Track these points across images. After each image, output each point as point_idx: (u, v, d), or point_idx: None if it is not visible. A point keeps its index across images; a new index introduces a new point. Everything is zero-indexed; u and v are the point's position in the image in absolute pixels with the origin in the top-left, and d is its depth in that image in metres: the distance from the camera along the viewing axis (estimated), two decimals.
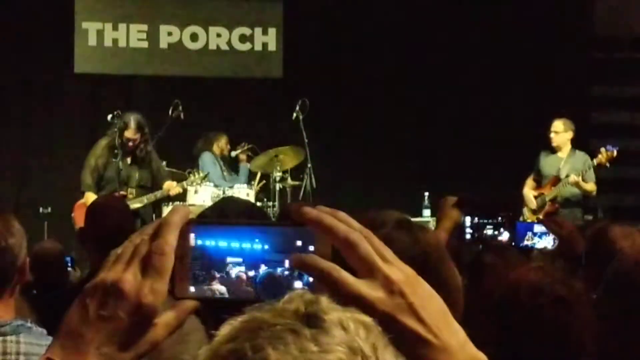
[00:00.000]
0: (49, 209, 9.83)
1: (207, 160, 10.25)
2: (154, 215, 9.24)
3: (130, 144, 9.06)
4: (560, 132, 9.74)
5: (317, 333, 0.94)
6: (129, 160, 9.14)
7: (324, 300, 0.99)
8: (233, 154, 10.45)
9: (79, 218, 8.80)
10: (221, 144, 10.45)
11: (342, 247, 1.13)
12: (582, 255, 4.28)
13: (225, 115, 11.05)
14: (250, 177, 10.58)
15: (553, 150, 9.84)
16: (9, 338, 2.88)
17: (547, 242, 4.65)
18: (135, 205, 8.80)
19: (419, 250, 2.04)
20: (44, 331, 2.99)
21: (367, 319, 0.99)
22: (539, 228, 4.77)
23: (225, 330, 0.98)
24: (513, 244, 4.74)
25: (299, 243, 1.21)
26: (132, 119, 9.15)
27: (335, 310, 0.98)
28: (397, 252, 2.07)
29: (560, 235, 4.62)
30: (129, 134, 9.04)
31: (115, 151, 9.04)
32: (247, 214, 3.84)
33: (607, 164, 9.73)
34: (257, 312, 0.99)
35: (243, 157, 10.47)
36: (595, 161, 9.68)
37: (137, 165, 9.16)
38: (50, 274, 5.48)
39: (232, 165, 10.60)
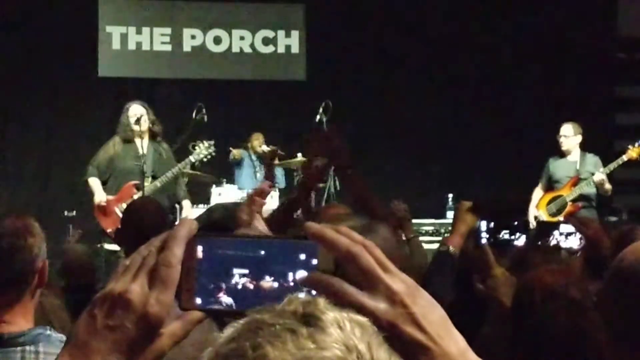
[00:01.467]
0: (74, 212, 9.88)
1: (240, 154, 10.42)
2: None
3: (138, 119, 8.98)
4: (570, 135, 9.80)
5: (314, 332, 0.98)
6: (143, 150, 9.07)
7: (321, 302, 1.03)
8: (264, 148, 10.45)
9: (100, 215, 8.93)
10: (253, 143, 10.53)
11: (344, 260, 1.16)
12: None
13: (248, 118, 11.07)
14: (287, 176, 10.65)
15: (562, 155, 9.90)
16: (27, 348, 2.87)
17: (573, 242, 4.65)
18: (150, 188, 8.88)
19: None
20: (64, 337, 2.84)
21: (363, 319, 1.03)
22: (565, 228, 4.77)
23: (227, 331, 1.02)
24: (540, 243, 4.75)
25: (302, 256, 1.23)
26: (133, 102, 9.18)
27: (331, 311, 1.02)
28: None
29: (586, 235, 4.62)
30: (134, 111, 9.02)
31: (128, 142, 9.08)
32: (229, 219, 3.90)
33: (637, 157, 9.79)
34: (257, 314, 1.02)
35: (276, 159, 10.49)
36: (625, 157, 9.78)
37: (152, 155, 9.15)
38: (80, 276, 5.54)
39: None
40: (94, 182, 9.02)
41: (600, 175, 9.58)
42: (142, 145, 9.05)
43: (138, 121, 8.98)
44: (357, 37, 12.29)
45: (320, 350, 0.96)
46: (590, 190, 9.75)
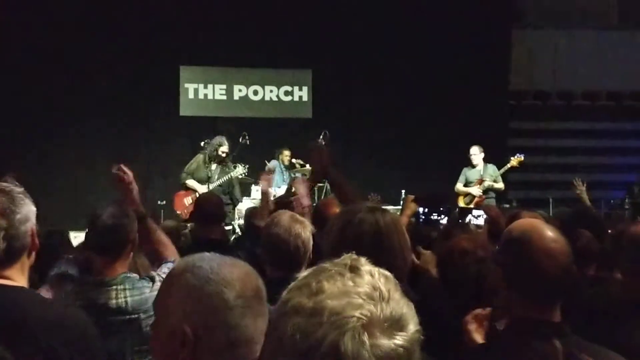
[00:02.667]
0: (164, 202, 9.92)
1: (274, 165, 10.28)
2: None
3: (224, 155, 9.13)
4: (478, 154, 9.99)
5: (354, 276, 1.00)
6: (214, 166, 9.17)
7: (362, 259, 1.04)
8: (293, 160, 10.35)
9: (176, 202, 9.07)
10: (283, 156, 10.40)
11: None
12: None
13: (276, 141, 11.03)
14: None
15: (472, 166, 10.00)
16: (118, 287, 2.92)
17: (480, 221, 4.68)
18: (215, 184, 8.99)
19: (378, 226, 2.10)
20: (137, 276, 3.01)
21: (388, 273, 1.04)
22: (476, 212, 4.81)
23: (302, 273, 1.05)
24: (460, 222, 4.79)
25: None
26: (225, 140, 9.24)
27: (368, 265, 1.03)
28: (364, 227, 2.13)
29: (489, 216, 4.65)
30: (224, 149, 9.13)
31: (209, 161, 9.13)
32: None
33: (518, 165, 10.03)
34: (322, 264, 1.04)
35: (297, 166, 10.40)
36: (509, 165, 10.02)
37: (220, 169, 9.19)
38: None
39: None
40: (192, 182, 9.08)
41: (489, 182, 9.80)
42: (218, 162, 9.20)
43: (224, 153, 9.13)
44: (343, 92, 12.33)
45: (356, 287, 0.98)
46: (493, 186, 9.89)
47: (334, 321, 0.94)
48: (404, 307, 0.99)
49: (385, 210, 2.25)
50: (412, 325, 0.98)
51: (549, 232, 2.08)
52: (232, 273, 1.48)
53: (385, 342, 0.93)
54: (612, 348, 2.05)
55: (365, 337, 0.92)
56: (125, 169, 3.34)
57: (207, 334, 1.44)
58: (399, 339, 0.95)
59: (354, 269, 1.01)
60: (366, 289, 0.98)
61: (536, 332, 2.01)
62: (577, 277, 2.12)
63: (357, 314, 0.94)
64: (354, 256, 1.04)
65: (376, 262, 1.07)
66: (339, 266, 1.02)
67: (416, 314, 1.01)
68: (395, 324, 0.96)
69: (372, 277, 1.01)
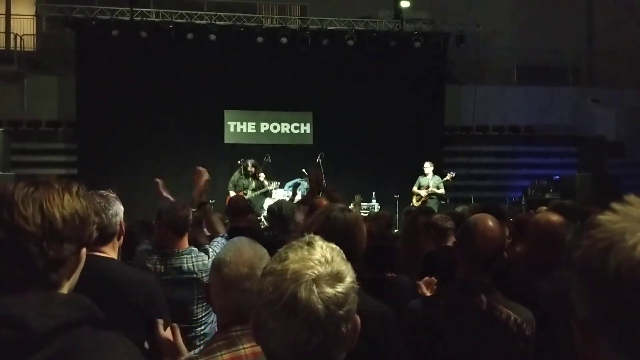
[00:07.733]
0: (213, 200, 9.81)
1: (289, 182, 10.05)
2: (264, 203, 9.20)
3: (253, 170, 9.11)
4: (428, 167, 9.92)
5: (309, 248, 0.98)
6: (249, 179, 9.13)
7: (317, 237, 1.01)
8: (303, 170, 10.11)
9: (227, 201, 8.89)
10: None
11: None
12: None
13: (289, 160, 10.94)
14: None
15: (424, 175, 9.91)
16: (187, 256, 2.89)
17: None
18: (250, 195, 8.86)
19: (345, 221, 1.98)
20: (196, 250, 2.93)
21: (334, 245, 1.01)
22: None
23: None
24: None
25: None
26: (249, 162, 9.21)
27: (320, 241, 1.01)
28: (334, 222, 1.98)
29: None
30: (249, 164, 9.16)
31: (244, 175, 9.14)
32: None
33: (450, 180, 9.92)
34: (291, 242, 1.01)
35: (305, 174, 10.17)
36: (445, 179, 9.90)
37: (253, 182, 9.15)
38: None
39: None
40: (232, 192, 9.00)
41: (432, 188, 9.67)
42: (249, 177, 9.15)
43: (249, 170, 9.09)
44: (333, 127, 12.23)
45: (310, 255, 0.96)
46: (435, 191, 9.76)
47: (294, 278, 0.93)
48: (342, 267, 0.97)
49: (350, 209, 2.17)
50: (349, 278, 0.97)
51: (490, 223, 2.00)
52: (234, 256, 1.43)
53: (329, 290, 0.93)
54: (519, 299, 2.00)
55: (314, 287, 0.93)
56: (202, 169, 3.35)
57: (215, 291, 1.45)
58: (339, 287, 0.95)
59: (310, 244, 0.99)
60: (317, 256, 0.96)
61: (471, 288, 1.99)
62: (504, 254, 2.04)
63: (309, 272, 0.94)
64: (312, 235, 1.02)
65: (342, 244, 1.03)
66: (300, 242, 1.00)
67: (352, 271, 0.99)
68: (335, 277, 0.95)
69: (322, 248, 0.99)
